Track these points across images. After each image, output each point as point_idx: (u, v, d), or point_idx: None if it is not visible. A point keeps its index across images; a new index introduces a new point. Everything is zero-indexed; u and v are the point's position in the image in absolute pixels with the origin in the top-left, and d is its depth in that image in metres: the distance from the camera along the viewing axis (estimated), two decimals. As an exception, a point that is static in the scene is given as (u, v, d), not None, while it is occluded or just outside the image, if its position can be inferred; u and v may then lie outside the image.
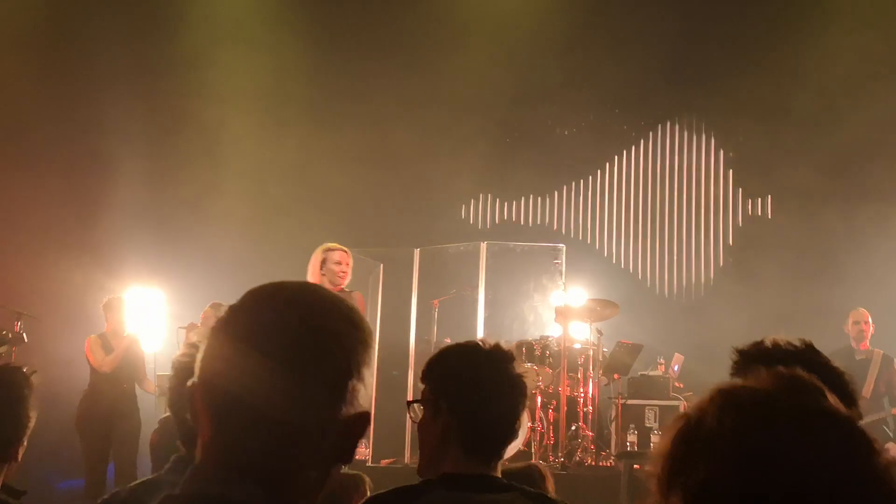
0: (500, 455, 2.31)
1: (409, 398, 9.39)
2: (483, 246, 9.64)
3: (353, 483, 3.62)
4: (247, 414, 1.18)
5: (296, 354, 1.19)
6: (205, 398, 1.21)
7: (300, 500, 1.21)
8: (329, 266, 6.86)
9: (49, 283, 8.98)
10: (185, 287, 9.10)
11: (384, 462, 8.47)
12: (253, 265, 9.13)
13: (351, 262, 6.94)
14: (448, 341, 8.92)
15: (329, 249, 6.92)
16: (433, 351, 9.39)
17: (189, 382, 1.25)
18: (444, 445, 2.27)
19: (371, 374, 1.26)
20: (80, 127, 9.97)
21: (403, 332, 9.32)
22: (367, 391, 1.24)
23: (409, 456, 8.58)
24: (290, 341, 1.20)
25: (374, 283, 9.67)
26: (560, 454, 7.92)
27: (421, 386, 2.38)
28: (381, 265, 9.86)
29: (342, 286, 6.84)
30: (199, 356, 1.24)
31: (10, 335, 7.58)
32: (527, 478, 3.06)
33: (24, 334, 7.64)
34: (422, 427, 2.32)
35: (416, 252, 9.68)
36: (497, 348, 2.35)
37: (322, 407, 1.21)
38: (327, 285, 6.90)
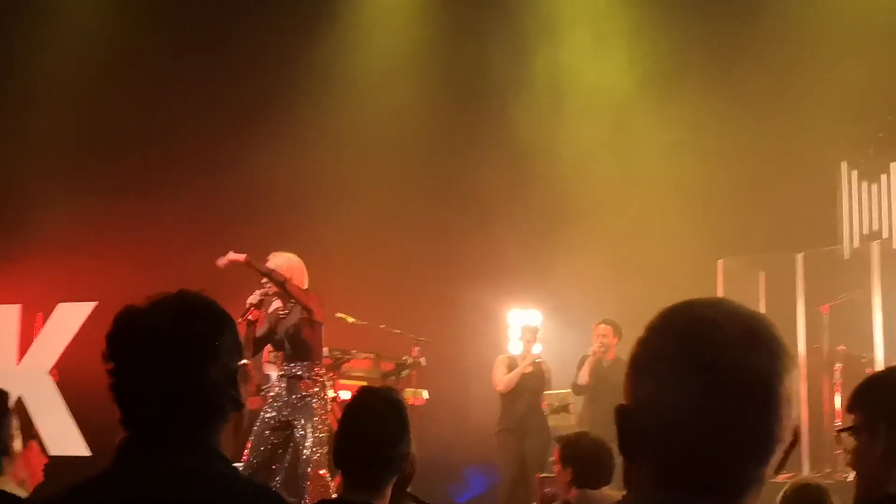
0: None
1: (804, 408, 8.92)
2: (874, 246, 9.01)
3: None
4: (699, 432, 1.20)
5: (739, 370, 1.20)
6: (648, 419, 1.23)
7: None
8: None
9: (440, 309, 9.53)
10: (561, 306, 9.26)
11: (780, 477, 8.13)
12: (627, 280, 9.11)
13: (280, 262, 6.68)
14: (842, 349, 8.44)
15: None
16: (825, 360, 8.88)
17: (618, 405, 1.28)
18: (885, 468, 2.23)
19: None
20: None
21: (791, 342, 8.86)
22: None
23: (806, 470, 8.19)
24: (730, 359, 1.21)
25: (755, 292, 9.34)
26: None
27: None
28: (762, 273, 9.51)
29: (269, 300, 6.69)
30: (632, 377, 1.27)
31: (409, 360, 8.19)
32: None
33: (423, 359, 8.20)
34: (858, 454, 2.29)
35: (800, 257, 9.24)
36: None
37: (770, 422, 1.22)
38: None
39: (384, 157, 10.14)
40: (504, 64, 10.03)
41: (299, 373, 6.64)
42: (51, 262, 9.92)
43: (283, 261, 6.76)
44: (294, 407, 6.55)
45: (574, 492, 4.46)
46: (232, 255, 6.59)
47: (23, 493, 3.27)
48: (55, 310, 9.99)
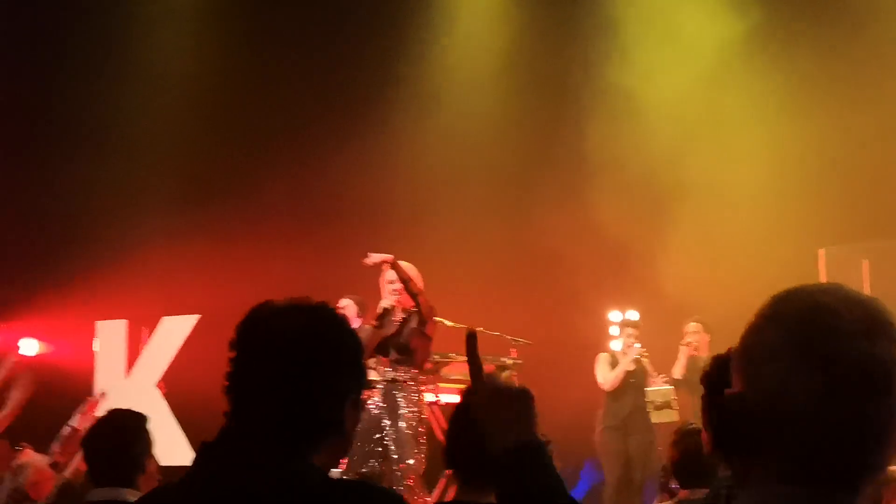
0: None
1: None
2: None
3: None
4: (825, 425, 1.18)
5: (862, 361, 1.18)
6: (767, 411, 1.20)
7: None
8: (385, 284, 6.73)
9: (537, 309, 9.50)
10: (657, 302, 9.12)
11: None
12: (724, 272, 8.94)
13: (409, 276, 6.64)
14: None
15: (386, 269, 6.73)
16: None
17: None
18: None
19: None
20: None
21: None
22: None
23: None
24: (852, 350, 1.18)
25: (859, 281, 9.08)
26: None
27: None
28: (866, 261, 9.23)
29: (396, 307, 6.61)
30: (744, 366, 1.24)
31: (508, 362, 8.19)
32: None
33: (520, 360, 8.20)
34: None
35: (905, 242, 8.95)
36: None
37: (893, 412, 1.20)
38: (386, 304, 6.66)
39: (475, 156, 10.16)
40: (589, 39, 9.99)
41: (400, 378, 6.70)
42: (154, 278, 10.19)
43: (413, 273, 6.86)
44: (390, 412, 6.62)
45: (683, 493, 4.33)
46: (379, 256, 6.68)
47: None
48: (160, 323, 10.25)
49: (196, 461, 1.74)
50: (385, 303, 6.73)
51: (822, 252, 9.12)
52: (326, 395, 1.74)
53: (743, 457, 1.25)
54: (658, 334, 8.73)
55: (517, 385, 1.68)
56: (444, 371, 8.04)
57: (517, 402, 1.81)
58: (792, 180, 9.13)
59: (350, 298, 8.33)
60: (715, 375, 2.49)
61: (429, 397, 7.93)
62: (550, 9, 10.41)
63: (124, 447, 3.44)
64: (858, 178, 9.04)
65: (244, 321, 1.78)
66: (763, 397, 1.20)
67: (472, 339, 1.69)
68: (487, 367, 8.19)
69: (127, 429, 3.51)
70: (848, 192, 9.10)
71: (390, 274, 6.77)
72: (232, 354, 1.76)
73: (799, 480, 1.18)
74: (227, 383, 1.76)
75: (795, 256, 8.85)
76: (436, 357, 7.89)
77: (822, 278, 8.91)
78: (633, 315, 8.74)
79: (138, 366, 10.23)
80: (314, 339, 1.75)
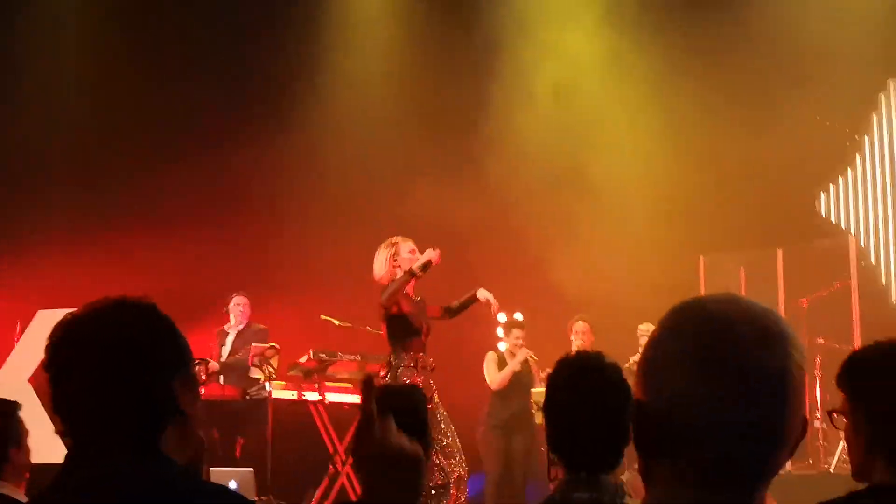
0: None
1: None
2: (852, 240, 9.07)
3: None
4: (722, 431, 1.22)
5: (756, 370, 1.23)
6: (669, 418, 1.24)
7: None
8: (403, 256, 6.73)
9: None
10: (540, 305, 9.22)
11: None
12: (608, 277, 9.09)
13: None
14: (820, 342, 8.48)
15: (400, 241, 6.82)
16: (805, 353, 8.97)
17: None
18: (870, 455, 2.18)
19: None
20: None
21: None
22: None
23: (788, 463, 8.24)
24: (747, 359, 1.23)
25: (736, 288, 9.39)
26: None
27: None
28: (742, 268, 9.56)
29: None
30: (648, 375, 1.28)
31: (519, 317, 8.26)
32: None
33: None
34: (847, 436, 2.25)
35: (779, 252, 9.29)
36: None
37: (788, 416, 1.25)
38: (395, 273, 6.68)
39: (371, 154, 10.13)
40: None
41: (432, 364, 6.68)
42: (30, 269, 9.86)
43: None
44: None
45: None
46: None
47: (22, 498, 3.33)
48: (35, 317, 9.91)
49: (51, 486, 1.73)
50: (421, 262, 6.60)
51: (702, 259, 9.42)
52: (148, 386, 1.73)
53: (647, 460, 1.28)
54: (544, 330, 8.78)
55: (407, 446, 1.54)
56: (330, 370, 7.99)
57: (405, 469, 1.65)
58: (679, 190, 9.37)
59: (243, 295, 8.27)
60: None
61: (313, 396, 7.89)
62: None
63: None
64: (737, 192, 9.37)
65: (49, 342, 1.78)
66: (665, 405, 1.24)
67: (368, 384, 1.54)
68: (372, 367, 8.21)
69: None
70: (727, 205, 9.41)
71: (408, 245, 6.76)
72: (48, 375, 1.77)
73: (699, 483, 1.23)
74: (52, 404, 1.77)
75: (678, 261, 9.11)
76: (321, 355, 7.82)
77: (702, 283, 9.23)
78: (519, 316, 8.80)
79: (10, 360, 9.89)
80: (115, 338, 1.74)
